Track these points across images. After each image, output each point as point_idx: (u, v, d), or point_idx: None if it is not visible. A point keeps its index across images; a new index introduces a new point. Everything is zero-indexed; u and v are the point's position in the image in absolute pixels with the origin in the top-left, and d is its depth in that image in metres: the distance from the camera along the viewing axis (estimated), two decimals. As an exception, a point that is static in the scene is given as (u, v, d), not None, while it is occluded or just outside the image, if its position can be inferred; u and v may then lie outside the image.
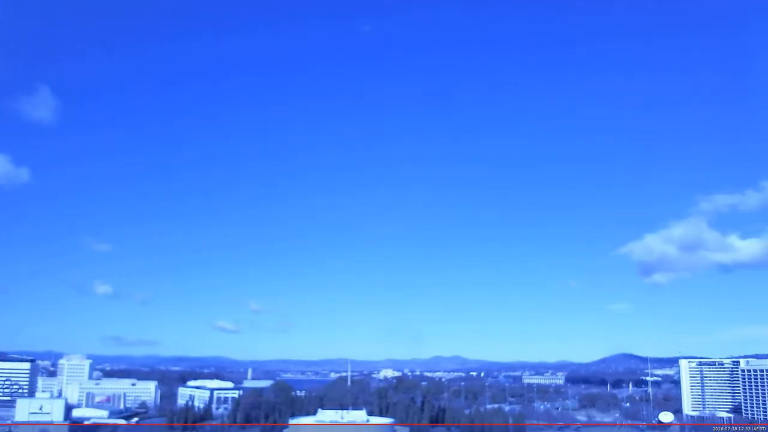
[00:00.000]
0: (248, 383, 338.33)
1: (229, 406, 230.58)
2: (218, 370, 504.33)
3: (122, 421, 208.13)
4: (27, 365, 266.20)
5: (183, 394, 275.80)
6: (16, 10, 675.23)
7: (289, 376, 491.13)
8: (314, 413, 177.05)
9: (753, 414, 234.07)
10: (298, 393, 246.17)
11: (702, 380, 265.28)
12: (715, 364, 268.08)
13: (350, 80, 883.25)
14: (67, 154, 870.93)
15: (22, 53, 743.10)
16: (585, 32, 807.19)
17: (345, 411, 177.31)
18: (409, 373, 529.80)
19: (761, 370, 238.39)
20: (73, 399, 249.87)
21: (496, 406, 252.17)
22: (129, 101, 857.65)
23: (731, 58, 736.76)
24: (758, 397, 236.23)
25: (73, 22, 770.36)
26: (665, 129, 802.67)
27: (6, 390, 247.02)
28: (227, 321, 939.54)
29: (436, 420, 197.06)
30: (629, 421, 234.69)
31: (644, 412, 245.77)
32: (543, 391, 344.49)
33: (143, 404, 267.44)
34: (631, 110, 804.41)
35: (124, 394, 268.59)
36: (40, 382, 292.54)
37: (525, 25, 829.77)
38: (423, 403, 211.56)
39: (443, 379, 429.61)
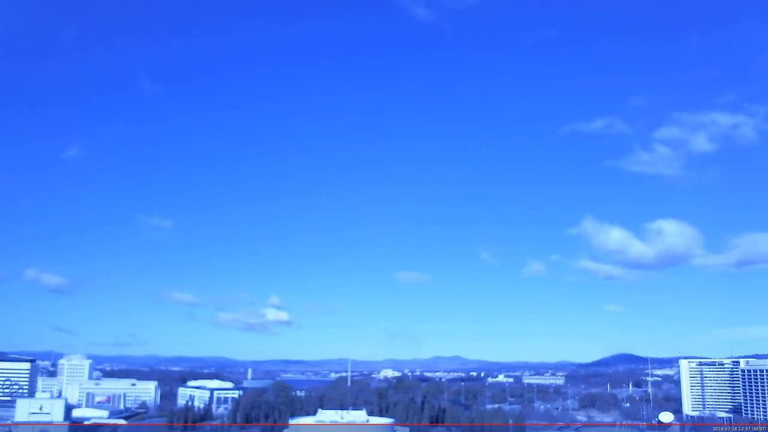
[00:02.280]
0: (248, 383, 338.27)
1: (229, 406, 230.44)
2: (218, 370, 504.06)
3: (122, 421, 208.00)
4: (27, 365, 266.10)
5: (183, 394, 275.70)
6: (15, 9, 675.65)
7: (289, 376, 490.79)
8: (314, 413, 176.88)
9: (753, 414, 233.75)
10: (298, 393, 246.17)
11: (702, 380, 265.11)
12: (715, 364, 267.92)
13: (350, 78, 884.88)
14: (67, 153, 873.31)
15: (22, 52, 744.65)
16: (584, 31, 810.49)
17: (345, 411, 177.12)
18: (409, 373, 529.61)
19: (761, 370, 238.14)
20: (73, 399, 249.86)
21: (496, 406, 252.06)
22: (126, 99, 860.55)
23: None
24: (758, 397, 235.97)
25: (71, 21, 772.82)
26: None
27: (6, 390, 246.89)
28: (226, 321, 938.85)
29: (436, 420, 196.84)
30: (629, 421, 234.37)
31: (644, 412, 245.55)
32: (543, 391, 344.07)
33: (143, 404, 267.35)
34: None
35: (124, 394, 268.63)
36: (40, 382, 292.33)
37: (525, 24, 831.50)
38: (423, 403, 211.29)
39: (443, 379, 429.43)
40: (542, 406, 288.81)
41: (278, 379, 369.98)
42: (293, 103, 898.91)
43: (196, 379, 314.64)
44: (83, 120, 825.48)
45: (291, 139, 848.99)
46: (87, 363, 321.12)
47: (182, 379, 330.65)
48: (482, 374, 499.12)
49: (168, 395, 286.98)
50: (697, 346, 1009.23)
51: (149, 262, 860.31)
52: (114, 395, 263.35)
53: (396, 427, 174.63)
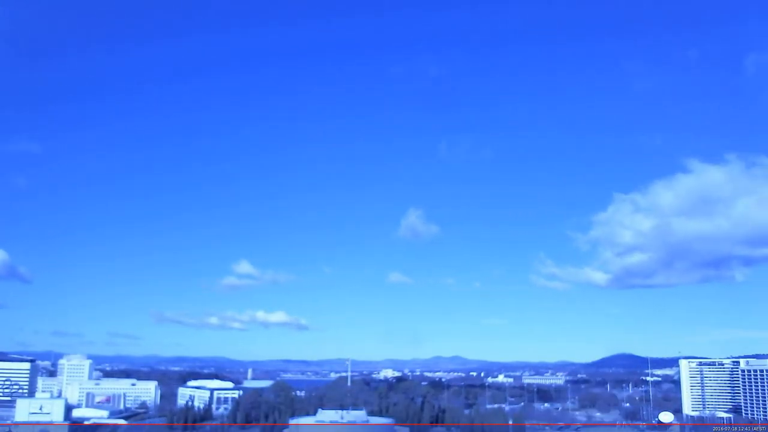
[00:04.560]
0: (248, 383, 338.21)
1: (229, 406, 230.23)
2: (218, 370, 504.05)
3: (122, 421, 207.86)
4: (27, 365, 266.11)
5: (183, 394, 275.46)
6: (16, 9, 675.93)
7: (289, 376, 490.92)
8: (314, 413, 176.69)
9: (753, 414, 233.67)
10: (298, 393, 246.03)
11: (702, 380, 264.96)
12: (715, 364, 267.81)
13: (348, 77, 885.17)
14: (65, 152, 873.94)
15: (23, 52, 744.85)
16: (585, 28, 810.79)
17: (345, 411, 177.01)
18: (409, 373, 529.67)
19: (761, 370, 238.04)
20: (73, 399, 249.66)
21: (496, 406, 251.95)
22: (126, 99, 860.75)
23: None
24: (758, 397, 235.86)
25: (71, 21, 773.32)
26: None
27: (6, 390, 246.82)
28: (227, 320, 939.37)
29: (436, 420, 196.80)
30: (629, 421, 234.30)
31: (644, 412, 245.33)
32: (543, 391, 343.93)
33: (143, 404, 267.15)
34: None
35: (124, 394, 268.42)
36: (40, 382, 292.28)
37: (524, 21, 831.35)
38: (423, 403, 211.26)
39: (443, 379, 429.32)
40: (542, 406, 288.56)
41: (278, 379, 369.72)
42: (292, 102, 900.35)
43: (196, 379, 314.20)
44: (82, 120, 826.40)
45: (291, 139, 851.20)
46: (87, 363, 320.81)
47: (182, 379, 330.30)
48: (482, 374, 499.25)
49: (168, 395, 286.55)
50: (697, 346, 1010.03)
51: (148, 261, 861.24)
52: (114, 395, 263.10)
53: (396, 427, 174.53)
